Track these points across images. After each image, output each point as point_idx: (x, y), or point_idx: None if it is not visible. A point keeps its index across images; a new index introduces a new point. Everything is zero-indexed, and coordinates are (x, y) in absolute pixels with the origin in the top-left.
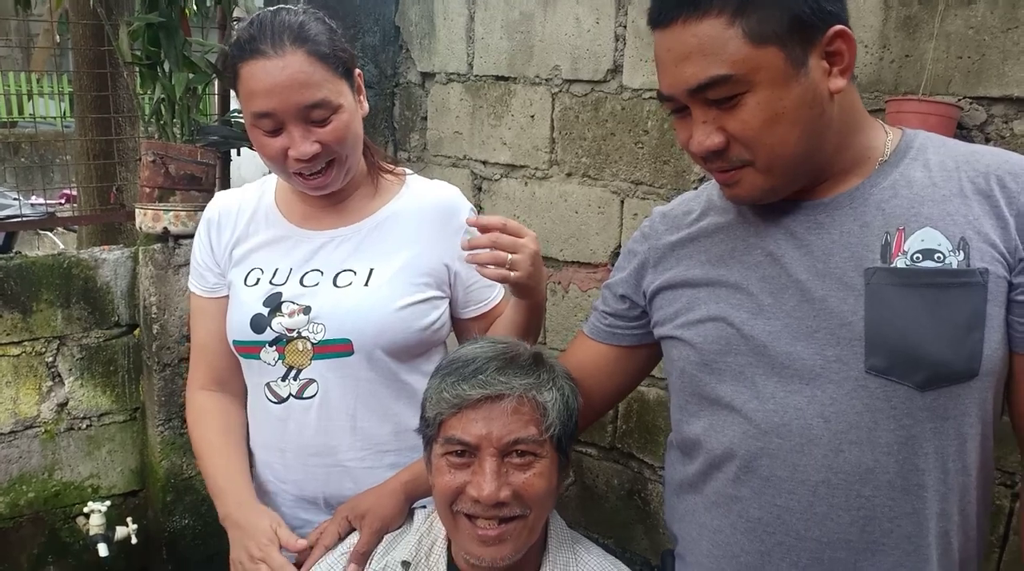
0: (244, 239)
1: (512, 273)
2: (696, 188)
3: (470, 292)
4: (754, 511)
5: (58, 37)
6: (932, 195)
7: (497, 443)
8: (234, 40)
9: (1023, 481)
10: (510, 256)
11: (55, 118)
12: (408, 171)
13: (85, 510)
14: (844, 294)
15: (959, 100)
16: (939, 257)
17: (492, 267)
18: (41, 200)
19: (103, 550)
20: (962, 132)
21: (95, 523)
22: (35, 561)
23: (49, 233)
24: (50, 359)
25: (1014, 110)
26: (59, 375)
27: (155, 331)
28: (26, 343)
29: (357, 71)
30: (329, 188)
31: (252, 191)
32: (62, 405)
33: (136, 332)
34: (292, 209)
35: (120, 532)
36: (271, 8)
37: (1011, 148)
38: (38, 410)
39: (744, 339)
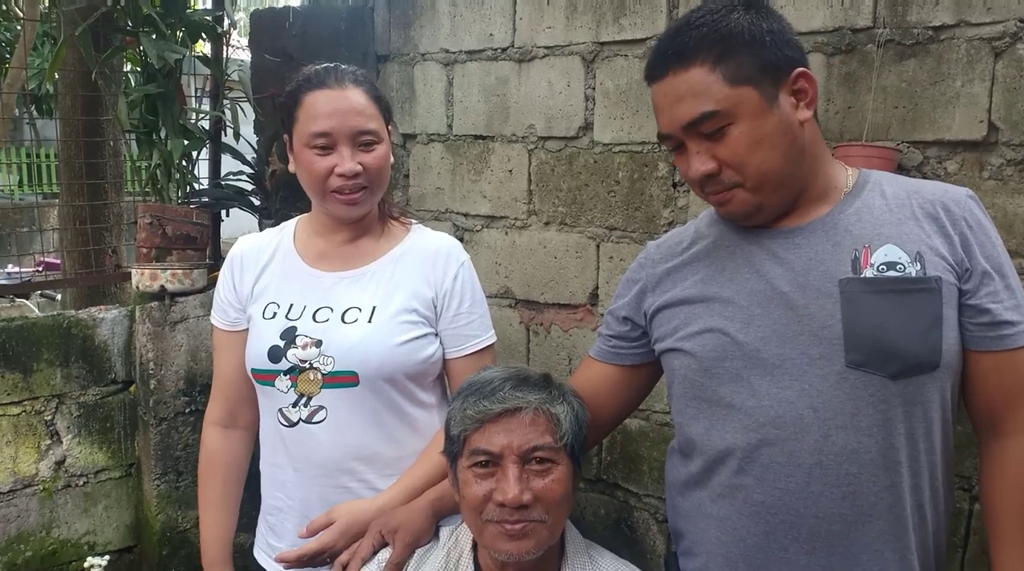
0: (264, 277)
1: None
2: (666, 231)
3: (452, 332)
4: (757, 496)
5: (16, 111)
6: (890, 219)
7: (518, 451)
8: (303, 77)
9: (983, 457)
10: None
11: (12, 189)
12: (414, 222)
13: (85, 565)
14: (823, 302)
15: (898, 144)
16: (900, 268)
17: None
18: (16, 269)
19: None
20: (902, 172)
21: None
22: None
23: (25, 301)
24: (49, 417)
25: (946, 152)
26: (57, 433)
27: (152, 386)
28: (26, 402)
29: (390, 127)
30: (358, 210)
31: (272, 235)
32: (60, 463)
33: (132, 388)
34: (308, 250)
35: None
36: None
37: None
38: (36, 468)
39: (738, 345)
